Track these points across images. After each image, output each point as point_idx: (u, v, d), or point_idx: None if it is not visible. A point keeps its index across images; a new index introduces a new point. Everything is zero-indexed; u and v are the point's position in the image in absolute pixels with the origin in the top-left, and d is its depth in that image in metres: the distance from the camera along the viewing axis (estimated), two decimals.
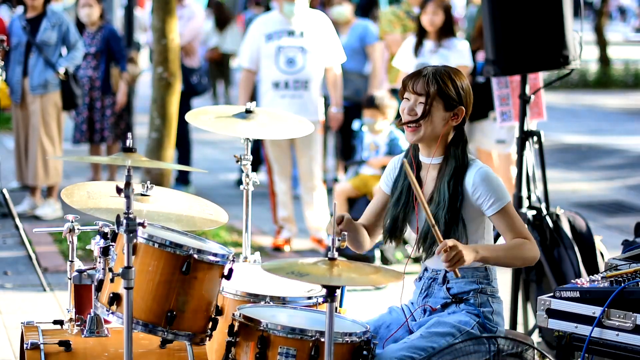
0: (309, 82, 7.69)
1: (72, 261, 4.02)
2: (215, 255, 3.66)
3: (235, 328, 3.60)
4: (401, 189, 3.90)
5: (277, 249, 7.90)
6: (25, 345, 3.80)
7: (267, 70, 7.70)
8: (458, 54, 7.61)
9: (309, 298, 3.95)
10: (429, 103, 3.74)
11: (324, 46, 7.73)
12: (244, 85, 7.86)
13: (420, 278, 3.95)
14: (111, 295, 3.61)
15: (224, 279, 3.72)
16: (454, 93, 3.77)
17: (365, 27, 9.60)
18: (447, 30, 7.71)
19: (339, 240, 3.44)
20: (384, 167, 7.67)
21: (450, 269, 3.60)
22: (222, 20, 14.92)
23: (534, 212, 5.64)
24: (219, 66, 15.23)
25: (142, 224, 3.44)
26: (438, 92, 3.74)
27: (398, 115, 7.96)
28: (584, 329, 3.68)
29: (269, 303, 3.89)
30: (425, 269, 3.93)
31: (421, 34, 7.78)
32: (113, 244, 3.75)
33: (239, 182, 4.98)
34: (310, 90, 7.70)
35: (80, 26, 9.59)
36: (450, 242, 3.56)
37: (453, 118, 3.79)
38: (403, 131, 4.02)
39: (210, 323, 3.72)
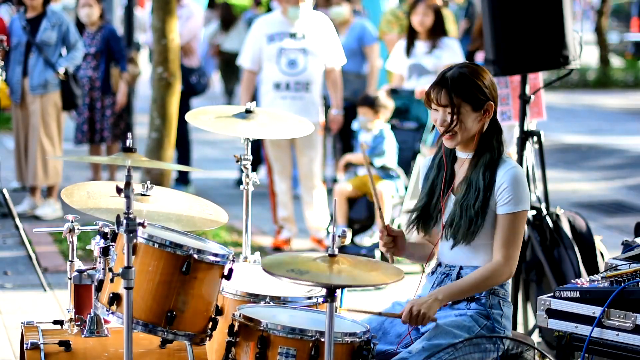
0: (310, 84, 7.71)
1: (72, 261, 4.02)
2: (215, 255, 3.66)
3: (235, 328, 3.60)
4: (433, 181, 3.91)
5: (277, 249, 7.89)
6: (25, 345, 3.80)
7: (268, 71, 7.71)
8: (451, 53, 7.72)
9: (309, 298, 3.95)
10: (456, 112, 3.75)
11: (325, 48, 7.74)
12: (246, 86, 7.87)
13: (433, 272, 3.95)
14: (111, 295, 3.61)
15: (224, 279, 3.72)
16: (480, 93, 3.77)
17: (363, 28, 9.59)
18: (437, 30, 7.80)
19: (339, 237, 3.44)
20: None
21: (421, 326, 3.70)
22: (227, 21, 14.86)
23: (534, 212, 5.63)
24: (229, 65, 15.17)
25: (142, 224, 3.44)
26: (464, 100, 3.75)
27: (394, 115, 8.02)
28: (584, 329, 3.68)
29: (269, 303, 3.89)
30: (439, 264, 3.93)
31: (412, 34, 7.87)
32: (113, 244, 3.75)
33: (239, 182, 4.98)
34: (311, 92, 7.72)
35: (80, 26, 9.59)
36: (407, 309, 3.65)
37: (485, 115, 3.80)
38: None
39: (210, 323, 3.72)
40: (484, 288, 3.78)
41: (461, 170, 3.88)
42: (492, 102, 3.80)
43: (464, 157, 3.88)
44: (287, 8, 7.66)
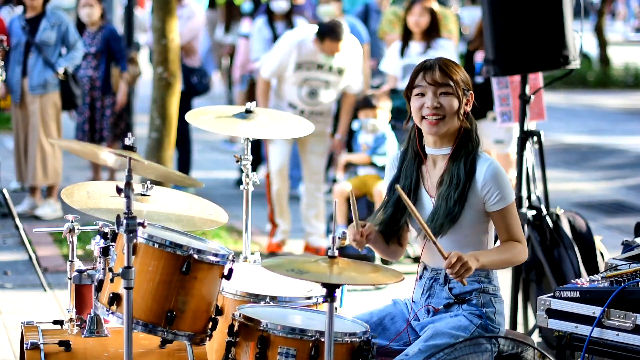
0: (324, 112, 7.74)
1: (72, 261, 4.02)
2: (215, 255, 3.67)
3: (235, 328, 3.60)
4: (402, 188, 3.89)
5: (273, 254, 7.80)
6: (25, 345, 3.80)
7: (287, 90, 7.57)
8: (445, 53, 7.71)
9: (309, 298, 3.95)
10: (457, 90, 3.75)
11: (348, 78, 7.69)
12: (262, 95, 7.74)
13: (420, 277, 3.94)
14: (111, 295, 3.61)
15: (224, 279, 3.72)
16: (465, 78, 3.81)
17: (352, 27, 9.53)
18: (432, 31, 7.80)
19: (339, 239, 3.44)
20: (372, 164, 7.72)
21: (458, 280, 3.62)
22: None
23: (534, 212, 5.64)
24: None
25: (142, 224, 3.44)
26: (459, 79, 3.77)
27: (394, 115, 8.00)
28: (584, 329, 3.68)
29: (269, 303, 3.90)
30: (425, 268, 3.92)
31: (407, 35, 7.86)
32: (113, 244, 3.75)
33: (239, 182, 4.98)
34: (324, 116, 7.74)
35: (81, 26, 9.59)
36: (454, 256, 3.58)
37: (467, 104, 3.81)
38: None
39: (210, 323, 3.72)
40: (512, 262, 3.82)
41: (437, 169, 3.85)
42: (472, 92, 3.82)
43: (438, 153, 3.84)
44: (323, 54, 7.53)
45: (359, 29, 9.57)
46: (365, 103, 7.78)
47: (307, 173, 7.96)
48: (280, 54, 7.67)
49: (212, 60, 15.07)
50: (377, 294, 6.77)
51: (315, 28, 7.61)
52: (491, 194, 3.76)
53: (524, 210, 5.61)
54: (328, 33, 7.45)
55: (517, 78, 5.89)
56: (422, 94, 3.78)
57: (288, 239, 7.97)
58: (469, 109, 3.83)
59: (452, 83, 3.74)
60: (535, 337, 5.59)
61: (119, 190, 3.42)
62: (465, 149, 3.80)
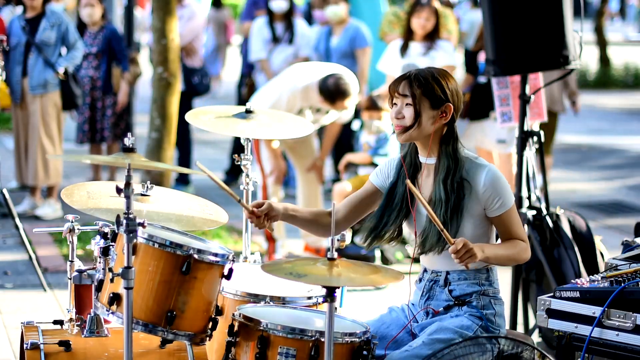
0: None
1: (72, 261, 4.02)
2: (215, 255, 3.67)
3: (235, 328, 3.60)
4: (398, 193, 3.89)
5: None
6: (25, 345, 3.80)
7: (287, 106, 7.38)
8: (445, 55, 7.72)
9: (309, 298, 3.95)
10: (417, 103, 3.76)
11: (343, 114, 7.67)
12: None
13: (420, 279, 3.94)
14: (111, 295, 3.61)
15: (224, 279, 3.72)
16: (439, 91, 3.78)
17: (357, 30, 9.51)
18: (435, 33, 7.78)
19: (338, 240, 3.44)
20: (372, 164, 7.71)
21: (462, 264, 3.64)
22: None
23: (534, 212, 5.64)
24: None
25: (142, 224, 3.44)
26: (423, 92, 3.76)
27: None
28: (584, 329, 3.68)
29: (269, 303, 3.90)
30: (425, 270, 3.92)
31: (408, 35, 7.84)
32: (113, 244, 3.75)
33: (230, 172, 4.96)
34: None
35: (82, 26, 9.59)
36: (460, 242, 3.59)
37: (441, 116, 3.79)
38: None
39: (210, 323, 3.72)
40: (516, 259, 3.81)
41: (428, 180, 3.85)
42: (450, 105, 3.79)
43: (427, 162, 3.85)
44: (334, 110, 7.49)
45: (363, 32, 9.54)
46: (371, 104, 7.75)
47: (305, 180, 7.89)
48: (279, 102, 7.36)
49: (217, 60, 15.06)
50: (377, 294, 6.77)
51: (317, 72, 7.44)
52: (492, 200, 3.76)
53: (524, 210, 5.62)
54: (338, 95, 7.29)
55: (517, 78, 5.89)
56: (395, 104, 3.84)
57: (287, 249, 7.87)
58: (444, 121, 3.79)
59: (413, 95, 3.75)
60: (535, 337, 5.59)
61: (119, 190, 3.43)
62: (443, 164, 3.79)
